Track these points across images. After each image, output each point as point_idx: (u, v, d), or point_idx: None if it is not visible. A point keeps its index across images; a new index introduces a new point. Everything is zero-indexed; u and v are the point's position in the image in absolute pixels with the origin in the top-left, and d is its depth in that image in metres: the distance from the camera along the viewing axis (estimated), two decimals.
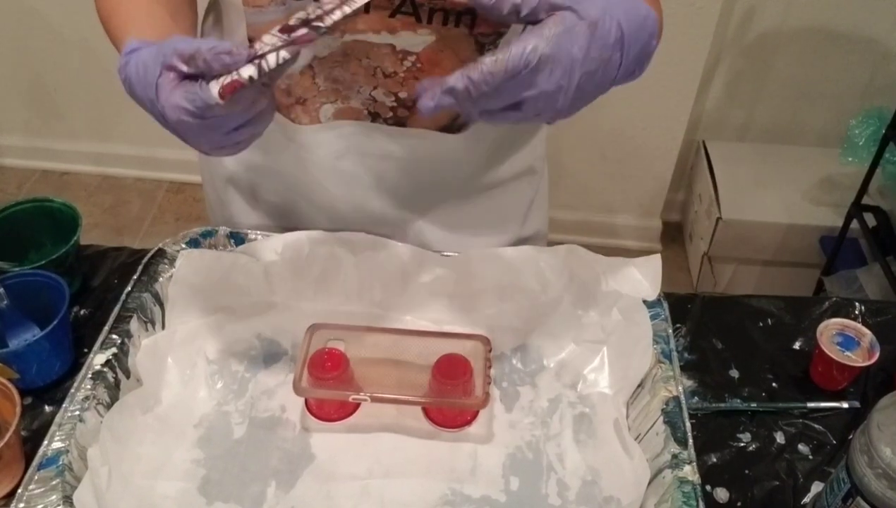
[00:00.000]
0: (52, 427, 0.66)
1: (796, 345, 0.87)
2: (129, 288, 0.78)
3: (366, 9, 0.67)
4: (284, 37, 0.56)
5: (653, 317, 0.77)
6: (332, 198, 0.84)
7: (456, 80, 0.53)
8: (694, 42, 1.82)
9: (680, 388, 0.71)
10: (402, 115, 0.76)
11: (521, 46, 0.52)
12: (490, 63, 0.52)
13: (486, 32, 0.70)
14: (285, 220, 0.88)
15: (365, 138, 0.78)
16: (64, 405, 0.68)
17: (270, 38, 0.57)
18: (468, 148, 0.81)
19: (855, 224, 1.74)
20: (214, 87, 0.55)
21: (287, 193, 0.86)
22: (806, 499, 0.73)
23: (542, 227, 0.98)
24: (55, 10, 2.07)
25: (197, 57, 0.55)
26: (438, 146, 0.79)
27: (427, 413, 0.75)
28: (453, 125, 0.78)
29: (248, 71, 0.55)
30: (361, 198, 0.83)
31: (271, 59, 0.56)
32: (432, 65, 0.72)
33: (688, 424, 0.68)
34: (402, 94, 0.74)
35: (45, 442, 0.65)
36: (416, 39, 0.70)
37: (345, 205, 0.84)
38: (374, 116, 0.77)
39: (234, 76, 0.55)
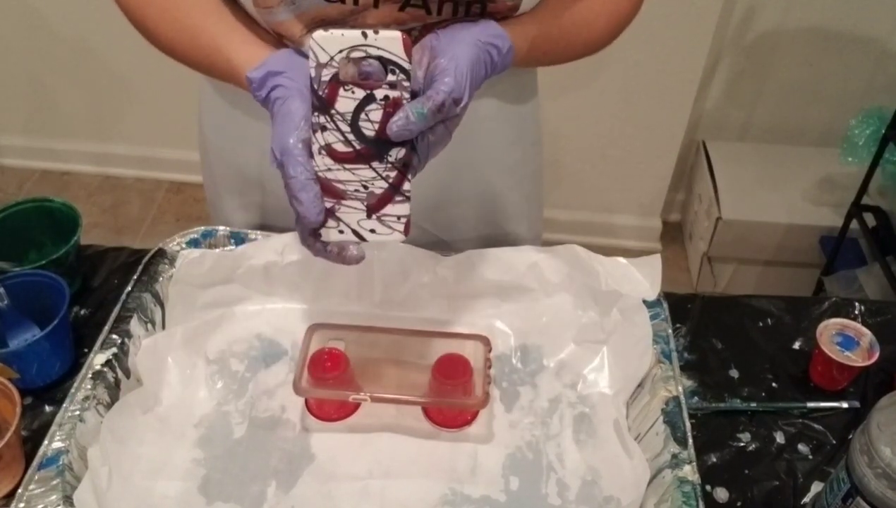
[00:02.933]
0: (53, 427, 0.66)
1: (796, 345, 0.87)
2: (129, 288, 0.78)
3: (375, 3, 0.67)
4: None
5: (653, 317, 0.77)
6: None
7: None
8: (694, 42, 1.82)
9: (680, 388, 0.71)
10: None
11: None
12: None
13: (496, 19, 0.70)
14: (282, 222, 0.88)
15: None
16: (64, 405, 0.68)
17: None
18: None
19: (855, 224, 1.74)
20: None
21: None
22: (806, 499, 0.73)
23: (537, 227, 0.97)
24: (55, 10, 2.07)
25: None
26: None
27: (427, 413, 0.75)
28: None
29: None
30: None
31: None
32: None
33: (688, 424, 0.68)
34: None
35: (46, 442, 0.65)
36: None
37: None
38: None
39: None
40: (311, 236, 0.61)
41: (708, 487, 0.73)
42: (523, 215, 0.94)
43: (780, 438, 0.78)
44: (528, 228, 0.95)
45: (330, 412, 0.75)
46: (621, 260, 0.80)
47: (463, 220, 0.89)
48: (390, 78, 0.56)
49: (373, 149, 0.58)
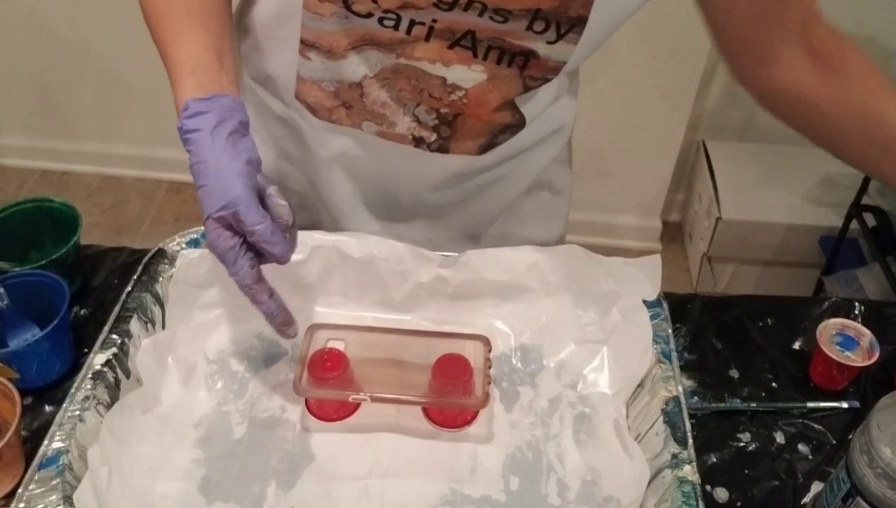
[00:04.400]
0: (53, 427, 0.66)
1: (796, 345, 0.87)
2: (129, 288, 0.78)
3: (427, 38, 0.67)
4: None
5: (653, 317, 0.77)
6: (350, 203, 0.85)
7: None
8: (694, 42, 1.82)
9: (680, 388, 0.71)
10: (444, 135, 0.77)
11: None
12: None
13: (535, 76, 0.70)
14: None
15: (407, 162, 0.80)
16: (64, 405, 0.68)
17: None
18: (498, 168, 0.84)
19: (855, 224, 1.74)
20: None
21: (307, 197, 0.88)
22: (806, 499, 0.73)
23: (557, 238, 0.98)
24: (56, 11, 2.07)
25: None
26: (473, 164, 0.81)
27: (427, 413, 0.75)
28: (493, 143, 0.79)
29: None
30: (386, 208, 0.86)
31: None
32: (478, 104, 0.73)
33: (687, 424, 0.68)
34: (444, 110, 0.74)
35: (46, 442, 0.65)
36: (468, 75, 0.70)
37: (360, 211, 0.86)
38: (419, 141, 0.78)
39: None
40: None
41: (708, 487, 0.73)
42: (544, 225, 0.94)
43: (780, 438, 0.78)
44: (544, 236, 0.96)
45: (330, 412, 0.75)
46: (621, 260, 0.80)
47: (483, 227, 0.91)
48: None
49: None
